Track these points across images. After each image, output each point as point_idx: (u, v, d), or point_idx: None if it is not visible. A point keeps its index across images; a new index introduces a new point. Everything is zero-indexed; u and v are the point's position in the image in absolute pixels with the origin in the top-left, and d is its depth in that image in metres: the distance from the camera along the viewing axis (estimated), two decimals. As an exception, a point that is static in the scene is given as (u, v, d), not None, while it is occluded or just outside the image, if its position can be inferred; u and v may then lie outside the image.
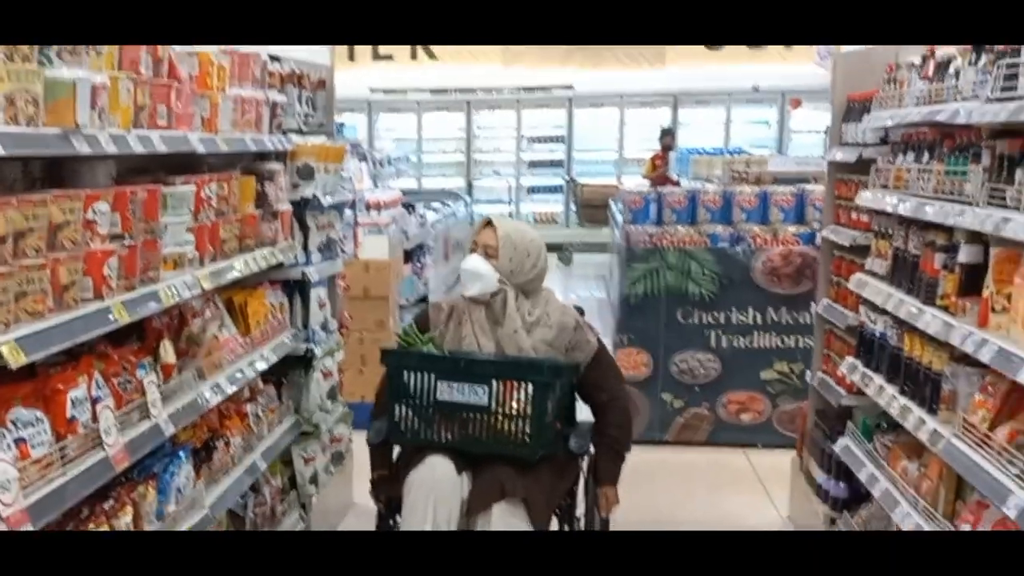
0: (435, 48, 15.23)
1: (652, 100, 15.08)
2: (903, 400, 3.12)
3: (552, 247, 14.19)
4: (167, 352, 2.87)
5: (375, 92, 15.05)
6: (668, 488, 5.04)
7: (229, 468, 3.36)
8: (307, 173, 3.91)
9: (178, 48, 2.94)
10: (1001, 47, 2.51)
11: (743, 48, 13.92)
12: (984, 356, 2.50)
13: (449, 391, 2.93)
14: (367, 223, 6.06)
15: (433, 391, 2.95)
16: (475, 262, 3.09)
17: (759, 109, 14.90)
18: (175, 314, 3.04)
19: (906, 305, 3.12)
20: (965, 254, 2.76)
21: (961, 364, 2.80)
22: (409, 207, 7.42)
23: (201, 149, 2.96)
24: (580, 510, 3.22)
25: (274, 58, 3.94)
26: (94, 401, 2.40)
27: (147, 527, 2.67)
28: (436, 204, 8.89)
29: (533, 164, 15.82)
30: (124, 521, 2.52)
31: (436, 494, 2.88)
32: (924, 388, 2.99)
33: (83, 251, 2.30)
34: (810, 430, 4.38)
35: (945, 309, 2.87)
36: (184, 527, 2.88)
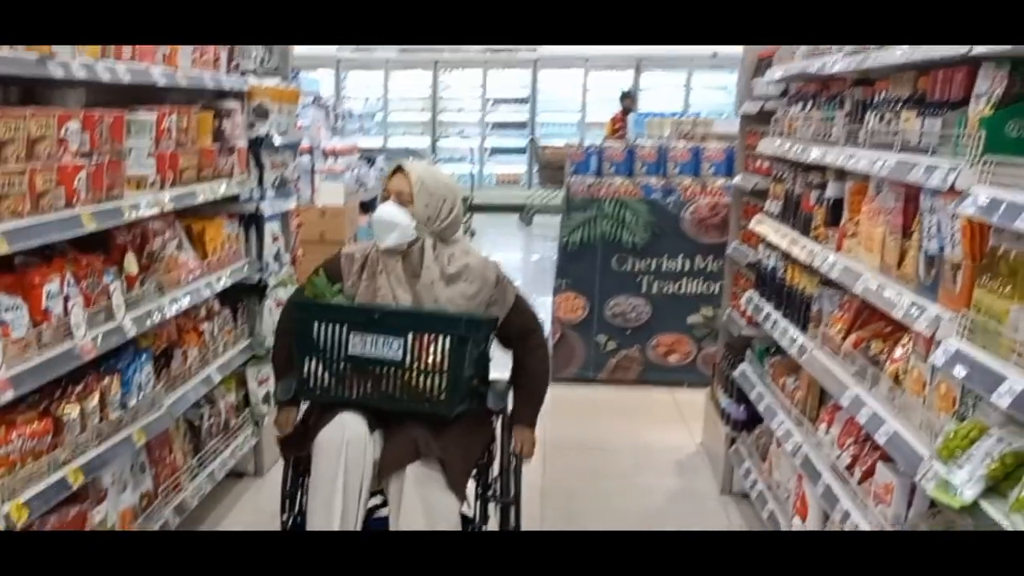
0: (402, 7, 15.40)
1: (616, 63, 15.41)
2: (784, 323, 3.55)
3: (514, 208, 14.50)
4: (131, 264, 3.22)
5: (343, 49, 15.26)
6: (598, 420, 5.48)
7: (186, 378, 3.72)
8: (262, 113, 4.25)
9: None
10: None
11: (704, 16, 14.25)
12: (834, 274, 2.93)
13: (362, 344, 2.77)
14: (324, 170, 6.39)
15: (345, 345, 2.79)
16: (389, 210, 2.90)
17: (719, 75, 15.29)
18: (137, 232, 3.38)
19: (789, 238, 3.54)
20: (831, 190, 3.18)
21: (827, 287, 3.22)
22: (369, 160, 7.75)
23: (162, 82, 3.30)
24: (495, 472, 3.09)
25: (233, 6, 4.26)
26: (66, 298, 2.76)
27: (112, 415, 3.04)
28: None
29: (497, 125, 16.14)
30: (91, 404, 2.90)
31: (347, 454, 2.73)
32: (799, 310, 3.42)
33: (56, 163, 2.64)
34: (719, 363, 4.82)
35: (815, 239, 3.30)
36: (144, 423, 3.24)
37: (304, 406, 3.11)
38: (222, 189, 3.91)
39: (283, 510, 3.03)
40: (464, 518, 2.94)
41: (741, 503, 4.27)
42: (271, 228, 4.48)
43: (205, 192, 3.73)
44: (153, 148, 3.29)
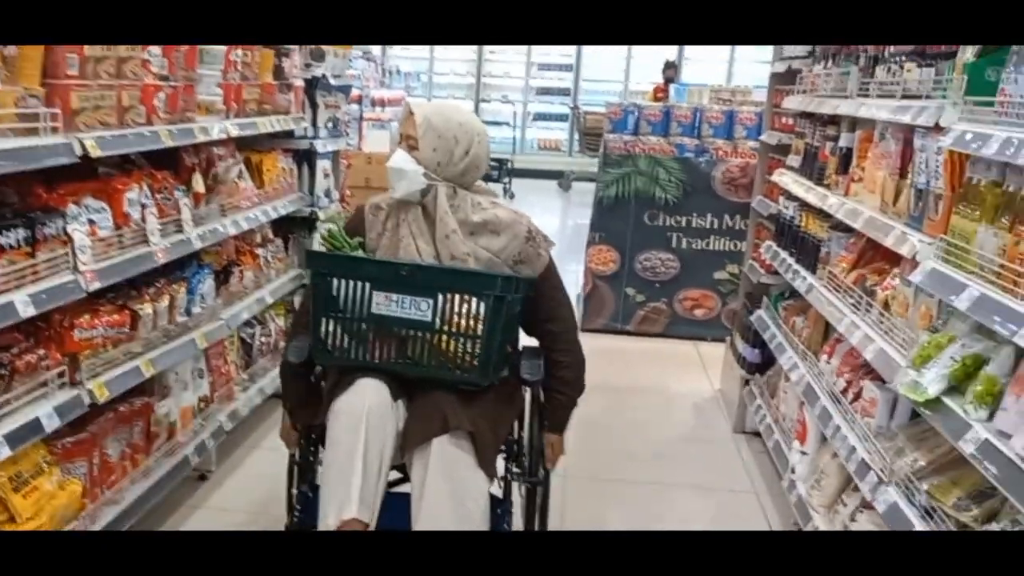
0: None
1: (660, 35, 15.48)
2: (796, 267, 3.80)
3: (554, 174, 14.67)
4: (198, 183, 3.55)
5: (391, 9, 15.48)
6: (622, 367, 5.76)
7: (242, 296, 4.06)
8: (319, 55, 4.55)
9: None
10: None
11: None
12: (840, 215, 3.18)
13: (387, 304, 2.49)
14: (372, 118, 6.70)
15: (367, 303, 2.50)
16: (397, 157, 2.61)
17: (763, 49, 15.33)
18: (204, 156, 3.71)
19: (804, 187, 3.78)
20: (843, 140, 3.42)
21: (836, 232, 3.47)
22: (413, 113, 8.05)
23: (232, 20, 3.61)
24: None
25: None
26: (143, 206, 3.10)
27: (178, 318, 3.38)
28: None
29: (541, 91, 16.34)
30: (162, 306, 3.23)
31: (367, 424, 2.42)
32: (810, 255, 3.67)
33: (140, 82, 2.96)
34: (738, 310, 5.07)
35: (827, 187, 3.54)
36: (204, 330, 3.58)
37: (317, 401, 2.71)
38: (280, 124, 4.23)
39: (291, 483, 2.79)
40: (492, 499, 2.58)
41: (752, 440, 4.55)
42: (323, 165, 4.80)
43: (265, 125, 4.05)
44: (221, 78, 3.61)
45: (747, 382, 4.64)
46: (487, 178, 11.59)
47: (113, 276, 2.88)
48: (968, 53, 2.33)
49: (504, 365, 2.66)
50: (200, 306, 3.57)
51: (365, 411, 2.44)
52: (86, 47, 2.67)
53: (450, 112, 2.66)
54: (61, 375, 2.69)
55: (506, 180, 13.26)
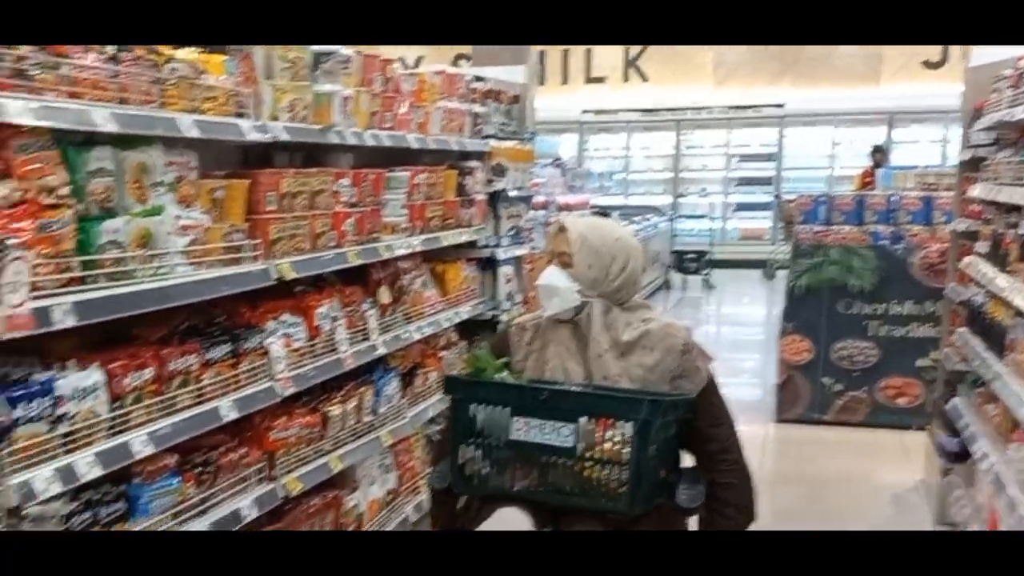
0: (646, 70, 16.00)
1: (866, 119, 15.10)
2: (985, 353, 3.63)
3: (758, 263, 14.42)
4: (384, 295, 3.89)
5: (587, 113, 16.03)
6: (819, 457, 5.59)
7: (426, 396, 4.33)
8: (500, 171, 4.88)
9: (401, 70, 3.99)
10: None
11: (961, 66, 13.77)
12: (1019, 301, 3.04)
13: (526, 429, 2.38)
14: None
15: (507, 429, 2.39)
16: (549, 274, 2.53)
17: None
18: (391, 270, 4.05)
19: (991, 275, 3.64)
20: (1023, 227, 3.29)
21: (1021, 317, 3.31)
22: (603, 215, 8.29)
23: (416, 146, 3.99)
24: None
25: (478, 78, 4.97)
26: (333, 319, 3.44)
27: (365, 418, 3.67)
28: (636, 217, 9.71)
29: (741, 181, 16.24)
30: (350, 407, 3.54)
31: None
32: (997, 341, 3.50)
33: (331, 211, 3.34)
34: (938, 399, 4.84)
35: (1010, 273, 3.39)
36: (388, 428, 3.84)
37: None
38: (463, 236, 4.55)
39: None
40: None
41: (955, 540, 4.28)
42: (505, 271, 5.07)
43: (448, 238, 4.38)
44: (406, 200, 3.97)
45: (947, 472, 4.40)
46: (685, 270, 11.75)
47: (306, 382, 3.20)
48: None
49: (660, 493, 2.44)
50: (386, 406, 3.86)
51: None
52: (284, 183, 3.06)
53: (606, 228, 2.58)
54: (259, 471, 3.01)
55: (705, 272, 13.22)
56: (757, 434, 5.93)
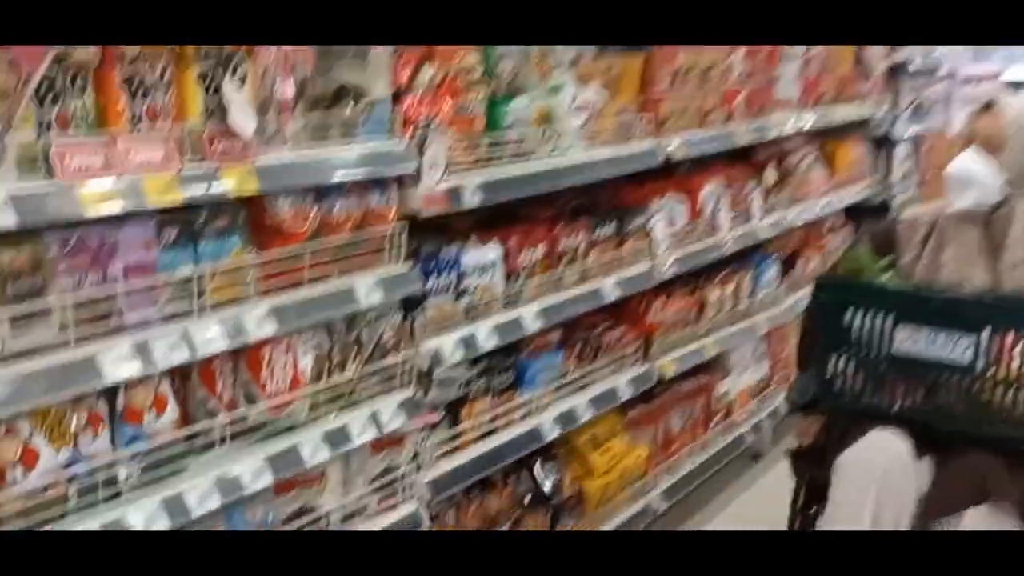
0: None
1: None
2: None
3: None
4: (769, 176, 3.70)
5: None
6: None
7: (805, 283, 4.12)
8: (905, 38, 4.37)
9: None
10: None
11: None
12: None
13: (913, 341, 2.14)
14: (962, 98, 6.20)
15: (889, 340, 2.16)
16: (967, 160, 2.22)
17: None
18: (778, 149, 3.83)
19: None
20: None
21: None
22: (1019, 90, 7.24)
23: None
24: None
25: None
26: (716, 199, 3.32)
27: (741, 304, 3.57)
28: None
29: None
30: (728, 292, 3.46)
31: (880, 484, 2.10)
32: None
33: (721, 88, 3.18)
34: None
35: None
36: (766, 315, 3.72)
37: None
38: (858, 111, 4.18)
39: (794, 512, 2.44)
40: None
41: None
42: (901, 150, 4.63)
43: (841, 113, 4.04)
44: (799, 72, 3.69)
45: None
46: None
47: (686, 265, 3.15)
48: None
49: None
50: (764, 292, 3.73)
51: (878, 470, 2.12)
52: (678, 58, 2.95)
53: None
54: (636, 352, 3.04)
55: None
56: None
